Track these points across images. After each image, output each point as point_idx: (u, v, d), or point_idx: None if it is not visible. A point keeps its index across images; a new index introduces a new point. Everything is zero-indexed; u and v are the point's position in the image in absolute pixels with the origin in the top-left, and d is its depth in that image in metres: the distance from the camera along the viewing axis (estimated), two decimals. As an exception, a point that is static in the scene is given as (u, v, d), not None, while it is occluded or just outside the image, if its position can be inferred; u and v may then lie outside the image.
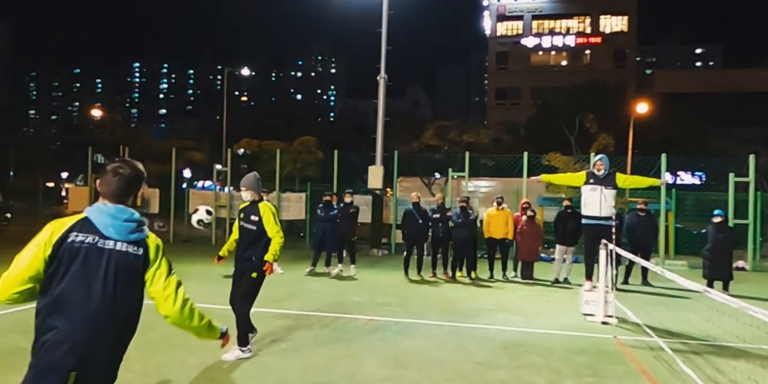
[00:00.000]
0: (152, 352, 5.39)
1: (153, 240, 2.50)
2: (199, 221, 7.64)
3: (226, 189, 19.32)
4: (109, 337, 2.33)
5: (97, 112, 38.32)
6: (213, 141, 40.83)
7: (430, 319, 7.35)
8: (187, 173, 30.54)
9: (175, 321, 2.56)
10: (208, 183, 28.69)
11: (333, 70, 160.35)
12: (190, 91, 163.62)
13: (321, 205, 11.78)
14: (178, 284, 2.55)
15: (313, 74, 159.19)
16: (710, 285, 10.68)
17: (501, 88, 55.70)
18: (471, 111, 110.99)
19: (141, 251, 2.43)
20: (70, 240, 2.31)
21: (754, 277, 13.77)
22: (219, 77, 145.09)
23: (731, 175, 14.95)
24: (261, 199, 5.59)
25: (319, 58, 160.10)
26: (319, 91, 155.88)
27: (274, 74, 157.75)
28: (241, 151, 26.14)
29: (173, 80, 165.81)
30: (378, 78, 15.56)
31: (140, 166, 2.52)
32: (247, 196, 5.54)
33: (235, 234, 5.62)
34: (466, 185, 17.11)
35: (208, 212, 7.82)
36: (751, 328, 4.86)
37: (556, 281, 11.21)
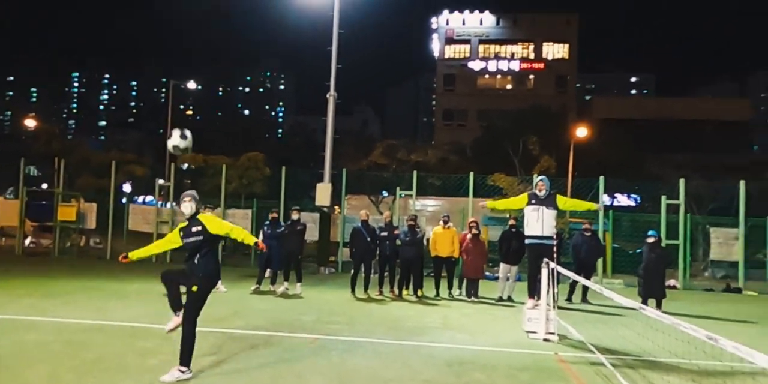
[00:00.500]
0: (85, 374, 5.14)
1: None
2: (174, 147, 6.32)
3: (168, 204, 18.79)
4: None
5: (30, 122, 36.64)
6: (155, 155, 39.72)
7: (377, 338, 7.33)
8: (127, 188, 29.54)
9: None
10: (149, 198, 27.81)
11: (282, 87, 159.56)
12: (133, 104, 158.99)
13: (267, 222, 11.63)
14: None
15: (261, 90, 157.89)
16: (644, 302, 11.13)
17: (448, 109, 56.97)
18: (419, 131, 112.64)
19: None
20: None
21: (685, 295, 14.44)
22: (164, 90, 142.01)
23: (663, 198, 15.74)
24: (198, 213, 5.58)
25: (268, 74, 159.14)
26: (267, 107, 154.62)
27: (221, 89, 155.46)
28: (186, 165, 25.54)
29: (114, 91, 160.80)
30: (327, 96, 15.64)
31: None
32: (190, 207, 5.46)
33: (161, 246, 5.74)
34: (414, 204, 17.28)
35: (183, 136, 6.26)
36: (682, 343, 5.08)
37: (500, 299, 11.42)
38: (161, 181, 20.51)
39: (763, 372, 4.50)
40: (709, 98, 61.13)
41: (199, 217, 5.47)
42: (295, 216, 11.51)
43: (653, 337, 6.51)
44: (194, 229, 5.38)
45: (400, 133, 79.27)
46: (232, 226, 5.57)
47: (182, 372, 5.11)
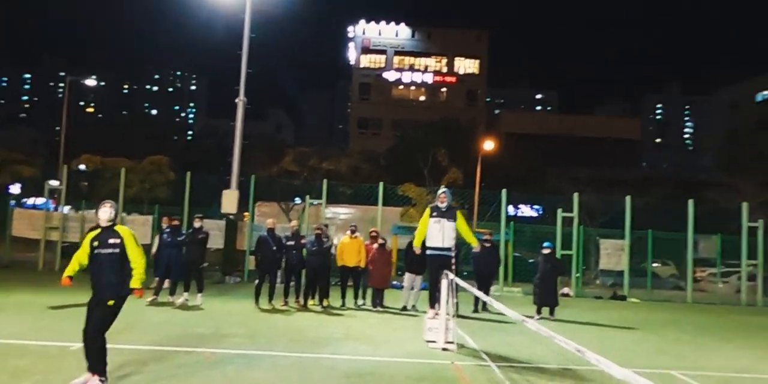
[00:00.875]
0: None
1: None
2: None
3: (61, 208, 17.53)
4: None
5: None
6: (50, 154, 37.01)
7: (277, 350, 7.20)
8: (15, 189, 27.28)
9: None
10: (39, 200, 25.81)
11: (193, 87, 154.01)
12: (26, 98, 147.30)
13: (167, 230, 11.15)
14: None
15: (171, 90, 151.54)
16: (539, 311, 11.72)
17: (363, 118, 57.43)
18: (335, 138, 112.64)
19: None
20: None
21: (577, 303, 15.35)
22: (62, 85, 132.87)
23: (559, 211, 16.68)
24: (115, 223, 5.47)
25: (179, 73, 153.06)
26: (177, 108, 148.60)
27: (126, 86, 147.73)
28: (82, 166, 23.96)
29: (4, 84, 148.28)
30: (237, 100, 15.27)
31: None
32: (110, 212, 5.37)
33: (82, 259, 5.38)
34: (324, 212, 17.21)
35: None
36: (565, 351, 5.38)
37: (404, 309, 11.59)
38: (53, 183, 19.10)
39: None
40: (605, 117, 65.71)
41: (117, 228, 5.39)
42: (197, 224, 11.11)
43: (541, 346, 6.85)
44: (111, 241, 5.27)
45: (316, 139, 79.01)
46: (142, 257, 5.43)
47: (102, 382, 5.06)
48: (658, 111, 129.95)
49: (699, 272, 21.90)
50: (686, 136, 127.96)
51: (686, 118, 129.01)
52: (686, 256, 17.75)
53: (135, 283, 5.33)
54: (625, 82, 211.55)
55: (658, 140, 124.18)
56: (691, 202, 17.44)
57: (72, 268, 5.42)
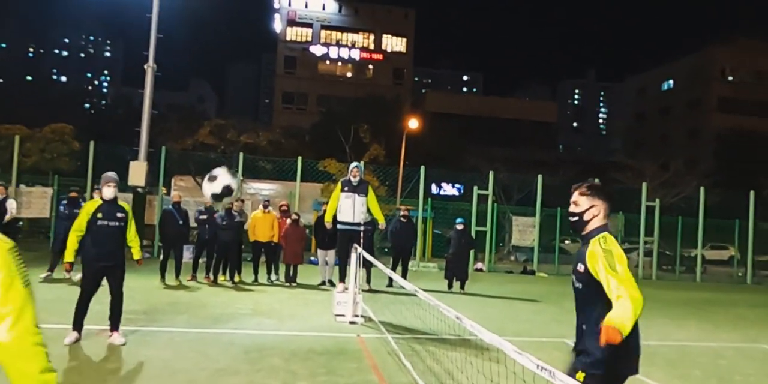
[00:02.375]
0: None
1: None
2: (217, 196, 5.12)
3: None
4: None
5: None
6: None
7: (176, 327, 6.96)
8: None
9: None
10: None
11: (108, 54, 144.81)
12: None
13: (65, 202, 10.45)
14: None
15: (82, 55, 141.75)
16: (450, 285, 12.02)
17: (288, 92, 56.15)
18: (261, 112, 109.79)
19: None
20: None
21: (489, 277, 15.89)
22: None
23: (475, 188, 17.09)
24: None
25: (92, 37, 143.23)
26: (89, 75, 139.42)
27: (32, 50, 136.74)
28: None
29: None
30: (146, 66, 14.41)
31: None
32: (113, 192, 5.88)
33: (80, 230, 5.93)
34: (239, 187, 16.72)
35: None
36: (458, 320, 5.50)
37: (323, 284, 11.57)
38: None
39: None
40: (525, 100, 67.75)
41: (122, 203, 6.05)
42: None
43: (443, 318, 6.98)
44: (119, 214, 5.85)
45: (241, 113, 76.57)
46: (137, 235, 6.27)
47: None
48: (576, 96, 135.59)
49: (603, 248, 23.24)
50: (600, 120, 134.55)
51: (601, 104, 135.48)
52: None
53: (138, 254, 6.23)
54: (547, 67, 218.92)
55: (575, 124, 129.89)
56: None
57: (72, 248, 6.07)
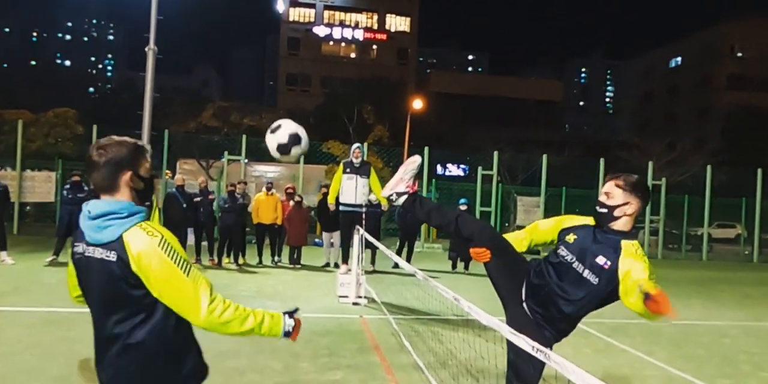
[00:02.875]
0: None
1: (137, 236, 1.87)
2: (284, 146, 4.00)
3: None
4: (117, 370, 1.96)
5: None
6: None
7: (180, 309, 6.99)
8: None
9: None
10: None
11: (111, 37, 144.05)
12: None
13: (68, 186, 10.47)
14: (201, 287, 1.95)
15: (86, 39, 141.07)
16: (454, 265, 12.03)
17: (292, 74, 55.75)
18: (265, 95, 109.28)
19: (114, 256, 1.86)
20: (72, 251, 2.03)
21: (493, 258, 15.86)
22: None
23: (479, 169, 17.00)
24: None
25: (95, 21, 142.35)
26: (93, 59, 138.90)
27: (35, 34, 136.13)
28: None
29: None
30: (147, 49, 14.25)
31: (117, 144, 1.95)
32: None
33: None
34: (243, 169, 16.73)
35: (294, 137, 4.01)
36: (456, 301, 5.49)
37: (327, 265, 11.61)
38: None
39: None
40: (530, 79, 67.08)
41: None
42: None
43: (444, 299, 6.98)
44: None
45: (246, 96, 76.31)
46: None
47: None
48: (582, 75, 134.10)
49: (609, 228, 23.18)
50: (607, 99, 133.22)
51: (607, 83, 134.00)
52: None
53: None
54: (554, 45, 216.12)
55: (581, 103, 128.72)
56: (602, 161, 18.21)
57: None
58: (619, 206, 2.66)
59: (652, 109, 57.84)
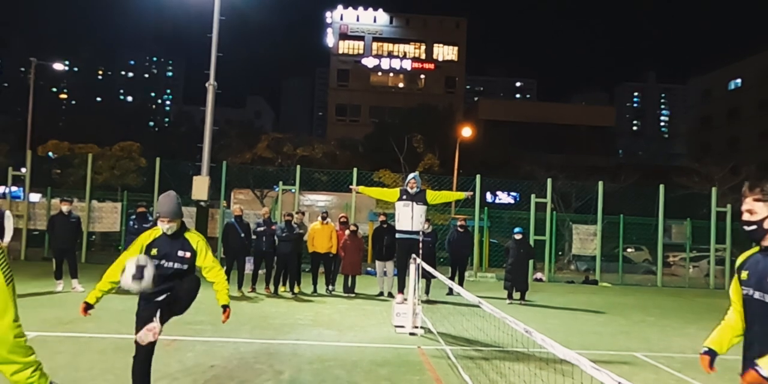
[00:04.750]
0: None
1: None
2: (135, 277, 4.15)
3: (26, 196, 17.09)
4: None
5: None
6: (17, 141, 36.07)
7: (240, 337, 7.11)
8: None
9: None
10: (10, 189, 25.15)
11: (170, 73, 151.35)
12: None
13: (133, 217, 10.93)
14: None
15: (146, 75, 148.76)
16: (510, 295, 11.79)
17: (341, 104, 56.98)
18: (315, 125, 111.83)
19: None
20: None
21: (549, 287, 15.48)
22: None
23: (533, 196, 16.74)
24: (185, 228, 4.36)
25: (155, 58, 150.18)
26: (153, 94, 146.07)
27: (101, 72, 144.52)
28: (51, 154, 23.38)
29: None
30: (207, 85, 14.95)
31: None
32: (171, 227, 4.22)
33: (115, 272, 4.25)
34: (297, 198, 17.04)
35: (136, 277, 4.15)
36: (527, 333, 5.37)
37: (381, 294, 11.60)
38: (24, 170, 18.57)
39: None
40: (581, 105, 66.11)
41: (189, 236, 4.32)
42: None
43: (505, 329, 6.84)
44: (182, 254, 4.26)
45: (296, 126, 78.33)
46: (220, 268, 4.53)
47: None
48: (635, 99, 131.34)
49: (671, 257, 22.25)
50: (662, 123, 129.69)
51: (662, 106, 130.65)
52: (657, 241, 17.98)
53: (225, 299, 4.55)
54: (604, 70, 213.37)
55: (634, 128, 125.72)
56: (661, 188, 17.64)
57: (101, 288, 4.35)
58: (766, 218, 2.60)
59: (712, 132, 55.86)
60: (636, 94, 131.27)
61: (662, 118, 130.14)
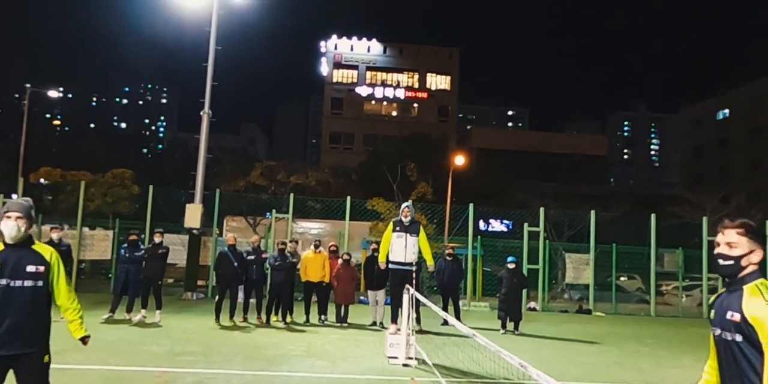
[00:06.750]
0: None
1: None
2: None
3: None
4: None
5: None
6: (11, 168, 35.98)
7: (232, 369, 7.01)
8: (-29, 203, 26.26)
9: None
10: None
11: (164, 101, 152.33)
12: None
13: (125, 245, 10.86)
14: None
15: (141, 102, 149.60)
16: (504, 325, 11.71)
17: (335, 132, 57.41)
18: (309, 153, 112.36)
19: None
20: None
21: (542, 317, 15.39)
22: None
23: (525, 225, 16.79)
24: (33, 240, 3.53)
25: (149, 85, 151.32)
26: (147, 121, 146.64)
27: (95, 99, 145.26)
28: (42, 181, 23.32)
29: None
30: (201, 113, 15.09)
31: None
32: (19, 227, 3.37)
33: None
34: (290, 226, 17.00)
35: None
36: (523, 368, 5.33)
37: (373, 324, 11.49)
38: (15, 197, 18.50)
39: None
40: (573, 134, 66.91)
41: (38, 248, 3.51)
42: (157, 239, 10.85)
43: (498, 360, 6.79)
44: (31, 269, 3.39)
45: (290, 154, 78.59)
46: (74, 296, 3.73)
47: None
48: (626, 128, 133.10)
49: (664, 286, 22.24)
50: (652, 152, 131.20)
51: (652, 135, 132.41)
52: (650, 269, 18.00)
53: (79, 330, 3.75)
54: (595, 100, 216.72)
55: (625, 157, 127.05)
56: (653, 217, 17.75)
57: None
58: (745, 255, 2.48)
59: (702, 162, 56.52)
60: (627, 123, 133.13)
61: (652, 147, 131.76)
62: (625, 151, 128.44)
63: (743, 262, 2.47)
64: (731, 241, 2.49)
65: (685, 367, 8.69)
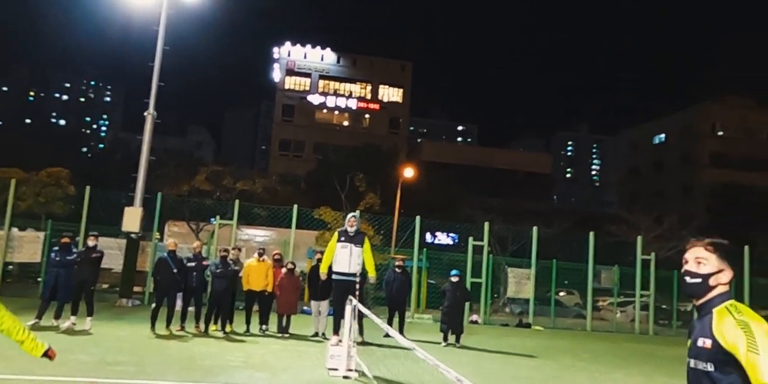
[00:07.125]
0: None
1: None
2: None
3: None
4: None
5: None
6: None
7: (166, 379, 6.74)
8: None
9: None
10: None
11: (108, 99, 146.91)
12: None
13: (56, 248, 10.35)
14: None
15: (82, 99, 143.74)
16: (446, 338, 11.79)
17: (285, 139, 56.89)
18: (258, 159, 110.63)
19: None
20: None
21: (484, 330, 15.60)
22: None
23: (470, 239, 17.05)
24: None
25: (93, 83, 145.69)
26: (88, 119, 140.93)
27: (32, 94, 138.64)
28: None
29: None
30: (146, 114, 14.63)
31: None
32: None
33: None
34: (234, 233, 16.64)
35: None
36: (459, 381, 5.36)
37: (315, 335, 11.33)
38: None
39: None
40: (519, 152, 68.76)
41: None
42: (91, 242, 10.37)
43: (437, 374, 6.80)
44: None
45: (238, 159, 77.19)
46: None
47: None
48: (569, 148, 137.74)
49: (601, 301, 22.99)
50: (593, 172, 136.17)
51: (594, 156, 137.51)
52: (587, 285, 18.58)
53: (38, 349, 3.77)
54: (541, 119, 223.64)
55: (568, 175, 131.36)
56: (591, 235, 18.37)
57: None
58: (713, 274, 2.30)
59: (639, 183, 59.11)
60: (570, 143, 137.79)
61: (594, 167, 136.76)
62: (569, 169, 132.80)
63: (711, 282, 2.31)
64: (700, 257, 2.33)
65: (617, 382, 8.98)
